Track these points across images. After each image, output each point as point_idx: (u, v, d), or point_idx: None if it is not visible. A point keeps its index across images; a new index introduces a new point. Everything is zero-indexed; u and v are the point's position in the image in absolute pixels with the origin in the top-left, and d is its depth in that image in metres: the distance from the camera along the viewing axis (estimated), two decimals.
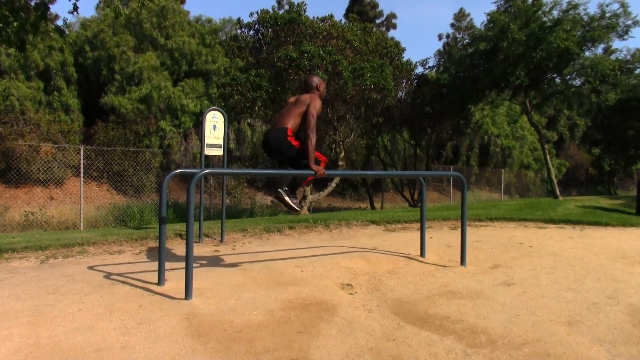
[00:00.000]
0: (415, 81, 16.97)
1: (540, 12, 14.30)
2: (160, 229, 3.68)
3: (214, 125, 6.01)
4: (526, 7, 14.55)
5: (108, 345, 2.62)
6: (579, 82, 15.86)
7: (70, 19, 23.42)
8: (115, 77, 20.28)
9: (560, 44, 13.17)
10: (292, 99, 4.32)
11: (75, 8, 6.95)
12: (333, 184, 13.89)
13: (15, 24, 6.49)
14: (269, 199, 19.75)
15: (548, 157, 17.10)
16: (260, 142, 4.24)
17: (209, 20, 24.58)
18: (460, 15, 33.73)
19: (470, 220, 7.80)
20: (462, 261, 4.73)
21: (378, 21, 36.50)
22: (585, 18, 14.36)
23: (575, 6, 14.28)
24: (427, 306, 3.47)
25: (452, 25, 34.38)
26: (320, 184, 17.03)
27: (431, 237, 6.20)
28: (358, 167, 20.83)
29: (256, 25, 12.40)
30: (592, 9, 26.64)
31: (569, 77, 15.97)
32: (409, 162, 20.54)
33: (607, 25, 14.15)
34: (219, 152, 6.08)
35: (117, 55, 20.33)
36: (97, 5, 19.24)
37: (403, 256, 5.03)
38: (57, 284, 3.74)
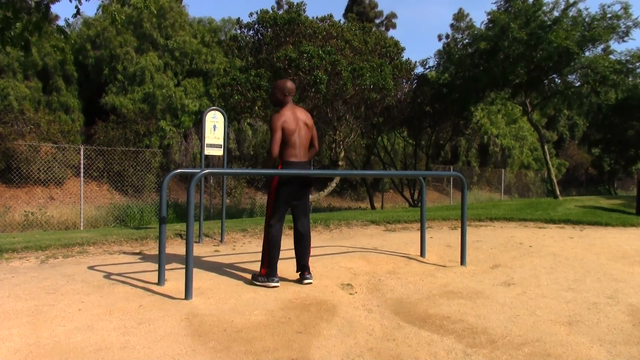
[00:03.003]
0: (415, 81, 16.96)
1: (540, 12, 14.29)
2: (160, 229, 3.68)
3: (214, 125, 6.01)
4: (526, 6, 14.55)
5: (108, 345, 2.62)
6: (579, 83, 15.87)
7: (72, 18, 23.44)
8: (117, 77, 20.28)
9: (560, 42, 13.16)
10: (303, 117, 3.92)
11: (78, 11, 6.97)
12: (333, 184, 13.89)
13: (17, 24, 6.49)
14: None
15: (548, 157, 17.09)
16: (300, 183, 3.89)
17: (210, 21, 24.60)
18: (460, 16, 33.72)
19: (470, 220, 7.80)
20: (462, 261, 4.73)
21: (377, 21, 36.50)
22: (587, 18, 14.35)
23: (574, 4, 14.27)
24: (427, 306, 3.47)
25: (452, 25, 34.39)
26: (320, 184, 17.02)
27: (431, 237, 6.21)
28: (358, 167, 20.82)
29: (256, 26, 12.40)
30: (594, 9, 26.66)
31: (569, 77, 15.97)
32: (408, 162, 20.53)
33: (608, 26, 14.14)
34: (219, 152, 6.08)
35: (121, 55, 20.33)
36: (100, 5, 19.16)
37: (403, 256, 5.03)
38: (57, 284, 3.74)
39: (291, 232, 6.73)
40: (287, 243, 5.92)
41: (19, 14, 6.44)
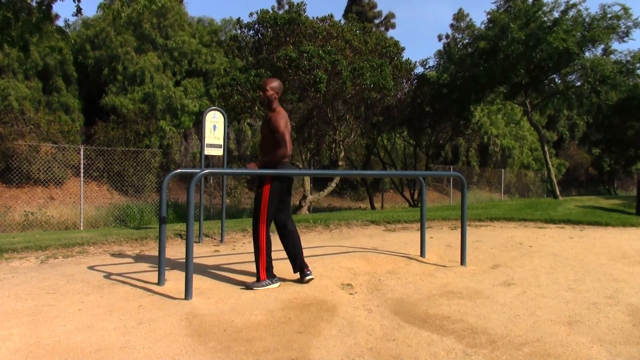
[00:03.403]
0: (415, 81, 16.96)
1: (540, 12, 14.29)
2: (160, 229, 3.68)
3: (214, 125, 6.01)
4: (526, 7, 14.55)
5: (108, 345, 2.62)
6: (579, 83, 15.86)
7: (72, 18, 23.46)
8: (117, 77, 20.28)
9: (559, 45, 13.15)
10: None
11: (79, 10, 6.97)
12: (333, 184, 13.89)
13: (19, 23, 6.50)
14: None
15: (548, 157, 17.09)
16: (288, 185, 3.94)
17: (210, 22, 24.59)
18: (460, 16, 33.72)
19: (470, 220, 7.80)
20: (462, 261, 4.73)
21: (377, 21, 36.48)
22: (587, 19, 14.35)
23: (574, 5, 14.27)
24: (427, 306, 3.47)
25: (452, 25, 34.40)
26: (320, 183, 17.02)
27: (431, 237, 6.21)
28: (358, 166, 20.83)
29: (256, 26, 12.41)
30: (594, 10, 26.67)
31: (569, 77, 15.97)
32: (408, 162, 20.54)
33: (608, 26, 14.14)
34: (219, 152, 6.08)
35: (121, 55, 20.33)
36: (100, 4, 19.15)
37: (403, 256, 5.03)
38: (57, 284, 3.74)
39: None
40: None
41: (19, 14, 6.44)
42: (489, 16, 15.21)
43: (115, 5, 6.77)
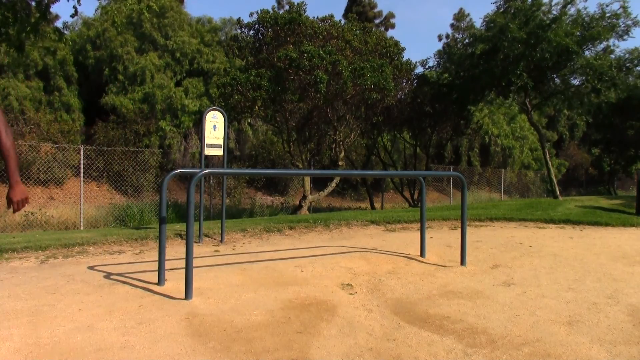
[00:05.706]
0: (416, 81, 16.96)
1: (539, 11, 14.28)
2: (160, 229, 3.68)
3: (214, 125, 6.01)
4: (525, 6, 14.54)
5: (108, 345, 2.62)
6: (578, 82, 15.86)
7: (70, 20, 23.48)
8: (117, 77, 20.29)
9: (561, 40, 13.13)
10: None
11: (76, 11, 6.99)
12: (333, 184, 13.89)
13: (17, 23, 6.51)
14: (269, 199, 19.79)
15: (548, 157, 17.08)
16: None
17: (210, 21, 24.60)
18: (460, 16, 33.70)
19: (470, 220, 7.80)
20: (462, 261, 4.73)
21: (377, 21, 36.49)
22: (586, 18, 14.34)
23: (572, 1, 14.25)
24: (427, 306, 3.47)
25: (452, 25, 34.39)
26: (320, 183, 17.02)
27: (431, 237, 6.21)
28: (358, 167, 20.83)
29: (256, 25, 12.42)
30: (592, 9, 26.73)
31: (569, 77, 15.96)
32: (409, 162, 20.54)
33: (607, 25, 14.14)
34: (219, 152, 6.08)
35: (122, 55, 20.35)
36: (98, 6, 19.23)
37: (403, 256, 5.03)
38: (57, 284, 3.74)
39: (297, 231, 6.71)
40: (286, 242, 5.92)
41: (18, 14, 6.45)
42: (487, 19, 15.23)
43: (111, 5, 6.81)
